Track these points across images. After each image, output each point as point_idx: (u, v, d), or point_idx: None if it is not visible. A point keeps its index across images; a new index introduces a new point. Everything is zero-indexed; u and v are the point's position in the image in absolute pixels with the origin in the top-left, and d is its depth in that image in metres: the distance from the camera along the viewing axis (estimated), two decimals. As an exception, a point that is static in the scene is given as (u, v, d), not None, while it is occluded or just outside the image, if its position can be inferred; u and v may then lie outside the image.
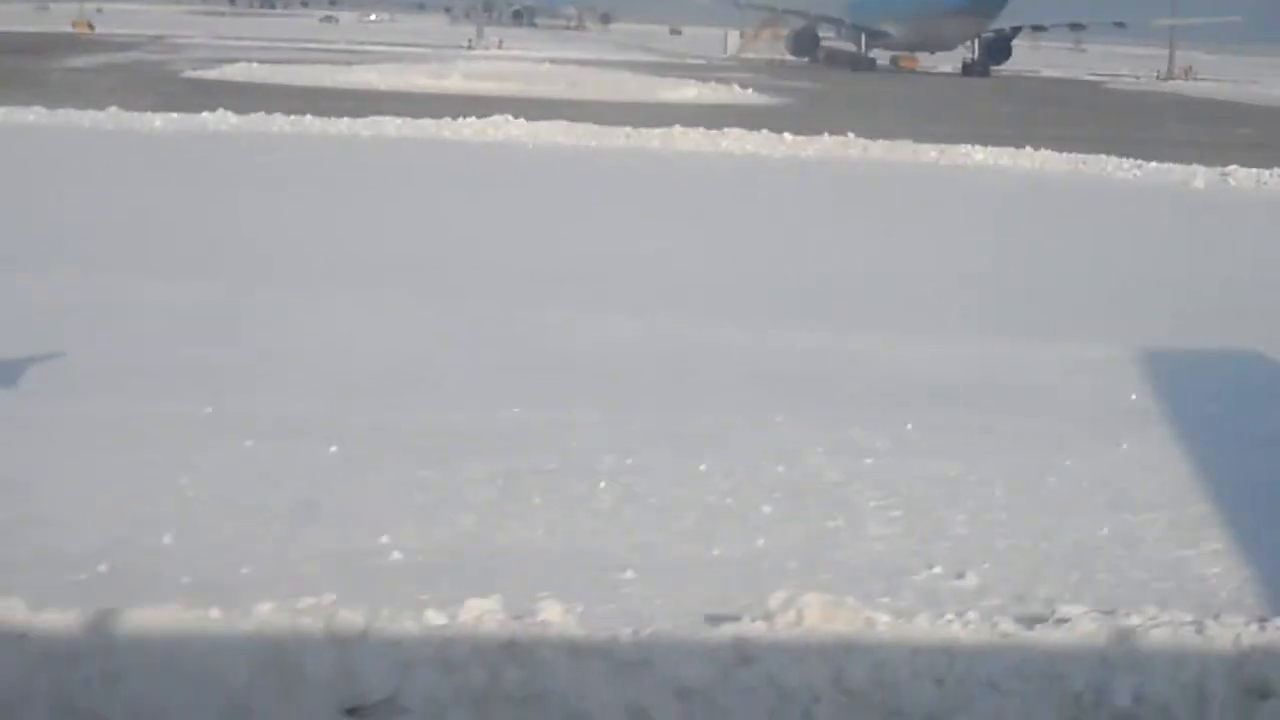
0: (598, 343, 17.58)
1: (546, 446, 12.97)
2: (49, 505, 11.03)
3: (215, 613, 7.67)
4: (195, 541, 10.40)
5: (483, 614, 8.05)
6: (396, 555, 10.28)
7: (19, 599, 7.75)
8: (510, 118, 44.13)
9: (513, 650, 7.71)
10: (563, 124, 43.91)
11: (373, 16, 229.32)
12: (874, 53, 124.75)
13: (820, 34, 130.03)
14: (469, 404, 14.44)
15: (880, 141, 44.05)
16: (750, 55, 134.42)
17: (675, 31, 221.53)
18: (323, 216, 27.28)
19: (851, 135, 44.20)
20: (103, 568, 9.84)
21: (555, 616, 8.15)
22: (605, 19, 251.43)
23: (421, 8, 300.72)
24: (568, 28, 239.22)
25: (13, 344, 16.09)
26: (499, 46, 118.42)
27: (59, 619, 7.54)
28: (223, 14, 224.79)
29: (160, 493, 11.38)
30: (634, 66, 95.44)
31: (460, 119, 43.89)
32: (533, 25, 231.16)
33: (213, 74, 68.53)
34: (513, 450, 12.81)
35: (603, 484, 11.96)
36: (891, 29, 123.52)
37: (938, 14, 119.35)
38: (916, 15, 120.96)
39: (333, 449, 12.67)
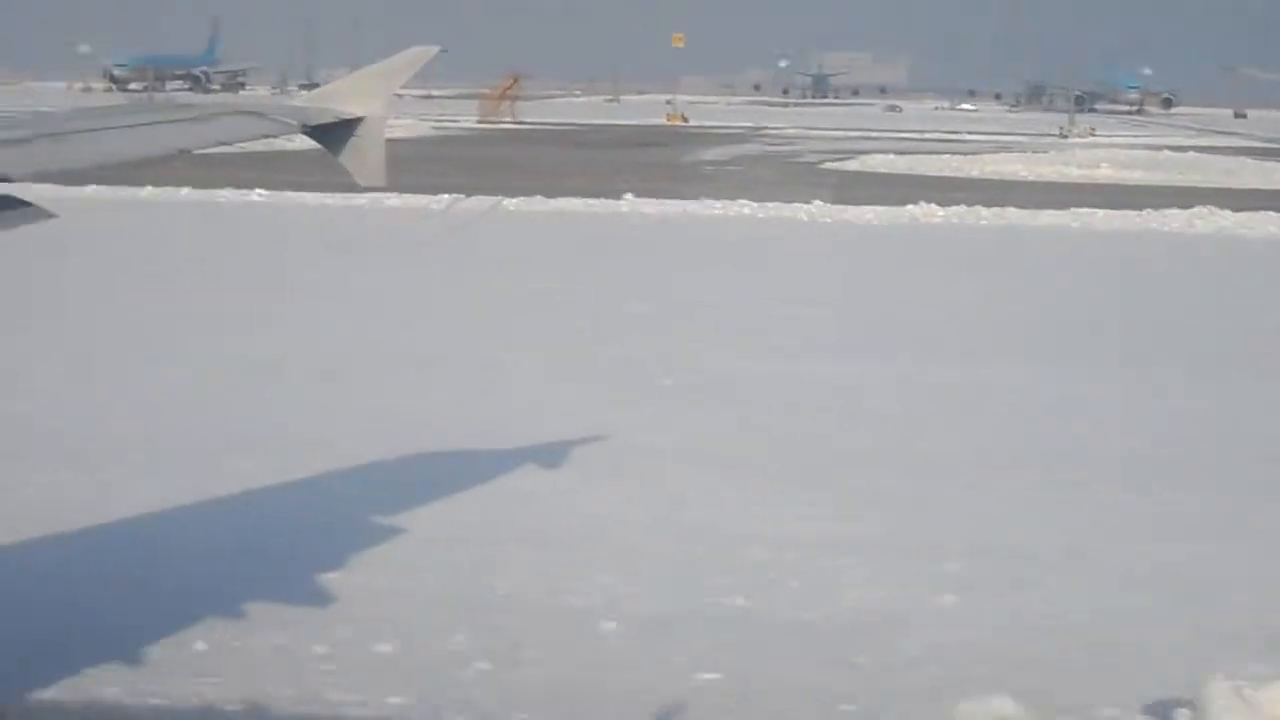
0: None
1: None
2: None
3: None
4: None
5: None
6: None
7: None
8: (1214, 209, 44.00)
9: None
10: (1272, 215, 43.50)
11: (967, 105, 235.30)
12: None
13: None
14: None
15: None
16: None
17: (1240, 115, 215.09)
18: (1100, 306, 27.88)
19: None
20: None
21: None
22: (1167, 103, 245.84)
23: (972, 94, 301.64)
24: (1129, 112, 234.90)
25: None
26: (1091, 133, 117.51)
27: None
28: (786, 105, 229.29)
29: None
30: (1245, 152, 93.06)
31: (1163, 210, 43.97)
32: (1093, 110, 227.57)
33: (853, 165, 70.13)
34: None
35: None
36: None
37: None
38: None
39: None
